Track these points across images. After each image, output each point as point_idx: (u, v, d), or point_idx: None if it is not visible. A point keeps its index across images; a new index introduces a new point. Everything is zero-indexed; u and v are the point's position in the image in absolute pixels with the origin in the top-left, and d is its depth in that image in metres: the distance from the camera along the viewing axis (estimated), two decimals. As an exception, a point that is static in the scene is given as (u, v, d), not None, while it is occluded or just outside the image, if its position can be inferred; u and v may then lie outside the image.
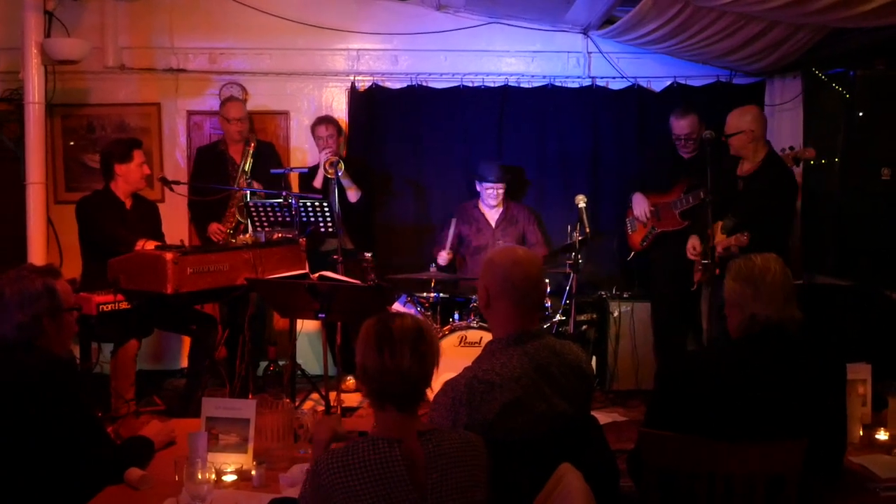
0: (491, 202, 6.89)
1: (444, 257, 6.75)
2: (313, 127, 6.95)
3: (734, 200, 5.54)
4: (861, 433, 3.47)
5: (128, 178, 5.85)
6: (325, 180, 6.57)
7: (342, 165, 6.45)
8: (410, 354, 2.42)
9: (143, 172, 5.89)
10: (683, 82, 7.32)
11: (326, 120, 6.95)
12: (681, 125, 6.53)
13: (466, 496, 2.40)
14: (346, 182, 6.72)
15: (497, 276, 3.03)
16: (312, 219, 6.10)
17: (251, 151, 6.69)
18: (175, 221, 6.72)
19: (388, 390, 2.44)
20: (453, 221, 6.86)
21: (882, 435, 3.45)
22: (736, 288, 3.04)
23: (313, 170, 6.84)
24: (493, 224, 6.93)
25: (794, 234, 7.25)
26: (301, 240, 6.04)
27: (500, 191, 6.86)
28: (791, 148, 5.98)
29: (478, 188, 6.94)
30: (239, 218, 6.54)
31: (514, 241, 6.76)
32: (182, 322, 6.00)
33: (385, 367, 2.41)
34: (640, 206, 6.73)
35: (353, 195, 6.82)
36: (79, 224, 5.89)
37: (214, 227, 6.47)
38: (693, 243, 5.92)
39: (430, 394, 2.68)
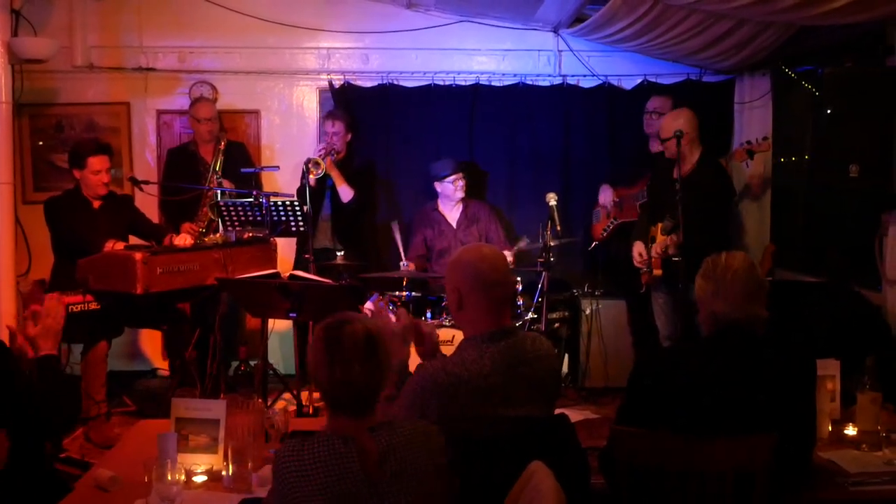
0: (459, 195, 6.83)
1: (406, 267, 6.59)
2: (323, 120, 6.89)
3: (672, 202, 5.59)
4: (830, 429, 3.48)
5: (86, 183, 5.81)
6: (321, 178, 6.53)
7: (322, 168, 6.41)
8: (360, 367, 2.40)
9: (99, 180, 5.82)
10: (654, 80, 7.33)
11: (334, 115, 6.88)
12: None
13: (422, 488, 2.40)
14: (337, 181, 6.67)
15: (467, 274, 3.03)
16: (283, 218, 6.07)
17: (221, 150, 6.65)
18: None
19: (339, 401, 2.43)
20: (395, 227, 6.75)
21: (850, 430, 3.47)
22: (701, 284, 3.07)
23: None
24: (454, 225, 6.89)
25: (764, 232, 7.33)
26: (273, 239, 6.02)
27: (462, 182, 6.80)
28: (748, 142, 6.04)
29: (438, 189, 6.88)
30: (211, 216, 6.50)
31: (477, 241, 6.72)
32: (153, 319, 5.98)
33: (335, 379, 2.40)
34: (605, 195, 6.82)
35: (345, 194, 6.74)
36: (47, 225, 5.85)
37: (187, 227, 6.43)
38: (639, 250, 5.98)
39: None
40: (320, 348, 2.43)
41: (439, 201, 6.94)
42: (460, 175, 6.80)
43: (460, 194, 6.84)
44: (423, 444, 2.46)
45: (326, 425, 2.48)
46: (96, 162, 5.78)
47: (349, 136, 6.88)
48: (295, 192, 6.60)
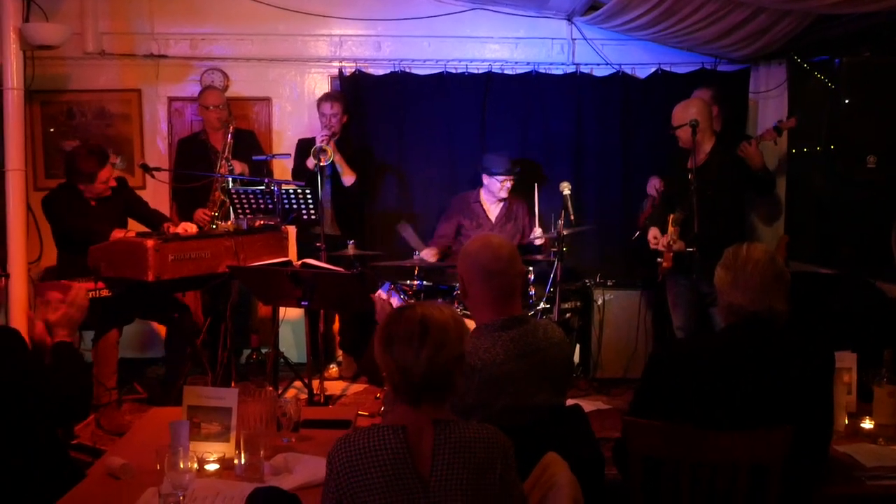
0: (503, 195, 6.77)
1: (428, 253, 6.61)
2: (319, 102, 6.81)
3: (685, 193, 5.56)
4: (846, 422, 3.46)
5: (91, 190, 5.77)
6: (319, 161, 6.49)
7: (329, 154, 6.39)
8: (457, 345, 2.37)
9: (106, 187, 5.79)
10: (668, 69, 7.29)
11: (333, 97, 6.81)
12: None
13: (474, 487, 2.32)
14: (339, 166, 6.64)
15: (468, 263, 3.08)
16: (295, 206, 6.05)
17: (231, 134, 6.62)
18: (157, 208, 6.61)
19: (433, 385, 2.37)
20: (404, 228, 6.72)
21: (867, 424, 3.45)
22: (720, 274, 3.04)
23: (309, 145, 6.68)
24: (492, 220, 6.84)
25: (778, 223, 7.29)
26: (284, 227, 6.00)
27: (510, 184, 6.73)
28: (779, 121, 6.01)
29: (485, 181, 6.81)
30: (224, 198, 6.46)
31: (512, 237, 6.69)
32: (163, 310, 5.95)
33: (434, 364, 2.34)
34: (652, 183, 6.80)
35: (347, 179, 6.72)
36: (47, 220, 5.85)
37: (200, 214, 6.41)
38: (654, 234, 5.94)
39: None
40: (412, 334, 2.37)
41: (482, 192, 6.88)
42: (510, 178, 6.73)
43: (504, 195, 6.78)
44: (482, 447, 2.37)
45: (386, 416, 2.44)
46: (104, 173, 5.74)
47: (346, 117, 6.83)
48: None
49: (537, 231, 6.62)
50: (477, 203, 6.87)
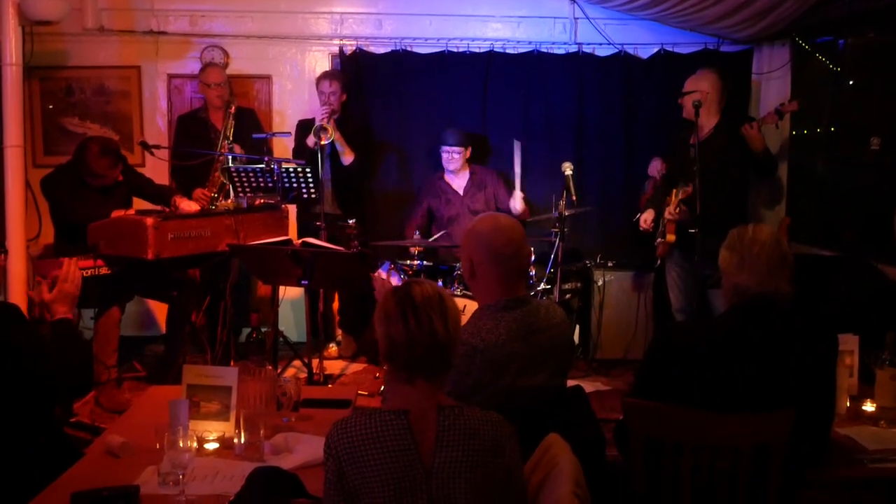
0: (450, 166, 6.78)
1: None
2: (318, 80, 6.79)
3: (689, 168, 5.54)
4: (848, 404, 3.46)
5: (95, 182, 5.71)
6: (318, 140, 6.45)
7: (330, 133, 6.36)
8: (438, 318, 2.35)
9: (115, 179, 5.72)
10: (671, 49, 7.24)
11: (331, 75, 6.79)
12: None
13: (477, 475, 2.30)
14: (339, 145, 6.61)
15: (480, 244, 3.03)
16: (295, 185, 6.03)
17: (232, 114, 6.58)
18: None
19: (419, 359, 2.35)
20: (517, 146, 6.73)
21: (869, 406, 3.44)
22: (725, 256, 3.02)
23: (309, 126, 6.67)
24: (460, 192, 6.83)
25: (779, 205, 7.27)
26: (284, 206, 5.98)
27: (457, 155, 6.73)
28: (781, 104, 5.99)
29: (442, 156, 6.83)
30: (223, 179, 6.43)
31: (485, 206, 6.68)
32: (163, 288, 5.93)
33: (414, 335, 2.33)
34: (654, 166, 6.78)
35: (346, 158, 6.68)
36: (46, 201, 5.81)
37: (199, 193, 6.38)
38: (646, 216, 5.92)
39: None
40: (394, 308, 2.37)
41: (444, 170, 6.88)
42: (458, 149, 6.73)
43: (451, 167, 6.79)
44: (488, 433, 2.35)
45: (387, 401, 2.43)
46: (115, 171, 5.69)
47: (344, 96, 6.80)
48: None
49: (518, 195, 6.61)
50: (441, 181, 6.88)
